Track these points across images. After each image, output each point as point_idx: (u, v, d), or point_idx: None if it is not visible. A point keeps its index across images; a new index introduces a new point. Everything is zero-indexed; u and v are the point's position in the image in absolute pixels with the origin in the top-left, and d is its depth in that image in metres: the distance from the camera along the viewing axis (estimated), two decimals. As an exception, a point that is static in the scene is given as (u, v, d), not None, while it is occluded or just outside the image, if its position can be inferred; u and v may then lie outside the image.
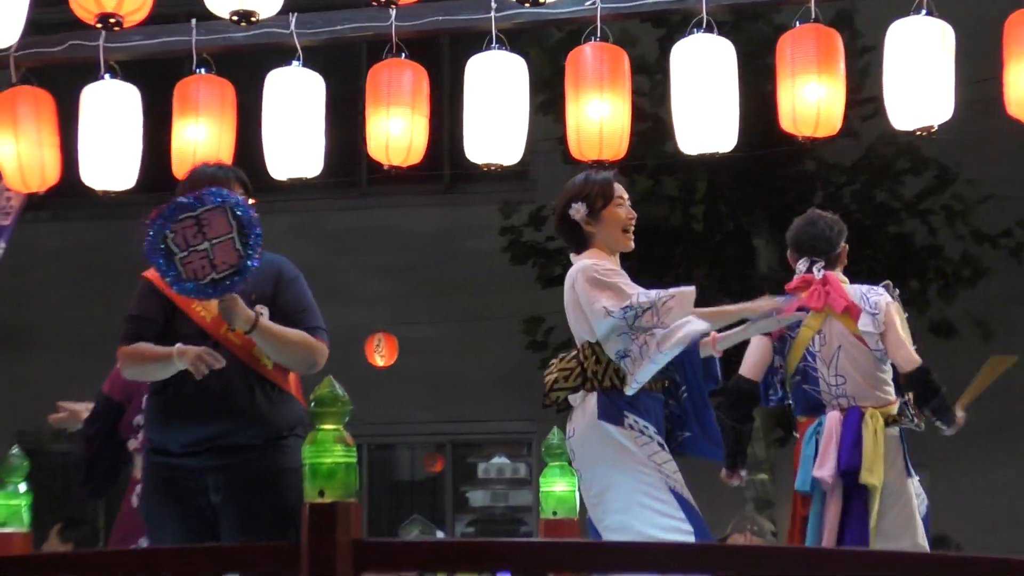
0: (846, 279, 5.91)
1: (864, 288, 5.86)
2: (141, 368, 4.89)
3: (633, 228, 5.23)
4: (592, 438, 5.01)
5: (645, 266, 9.35)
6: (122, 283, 6.03)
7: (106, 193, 6.47)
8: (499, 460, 14.66)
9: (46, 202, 9.27)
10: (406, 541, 4.51)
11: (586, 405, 5.04)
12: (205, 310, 4.86)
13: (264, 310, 4.84)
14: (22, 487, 5.76)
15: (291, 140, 6.31)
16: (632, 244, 5.22)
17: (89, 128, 6.47)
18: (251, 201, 4.81)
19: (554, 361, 5.22)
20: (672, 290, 4.95)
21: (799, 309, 5.62)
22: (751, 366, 5.95)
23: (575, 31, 7.11)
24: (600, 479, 5.01)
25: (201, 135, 6.43)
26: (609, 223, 5.18)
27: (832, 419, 5.70)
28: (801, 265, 5.90)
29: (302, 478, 4.02)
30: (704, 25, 5.92)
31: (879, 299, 5.80)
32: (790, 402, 5.91)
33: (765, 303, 5.25)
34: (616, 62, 6.10)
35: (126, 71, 6.53)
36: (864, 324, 5.75)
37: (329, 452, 4.17)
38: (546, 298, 10.71)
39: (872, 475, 5.60)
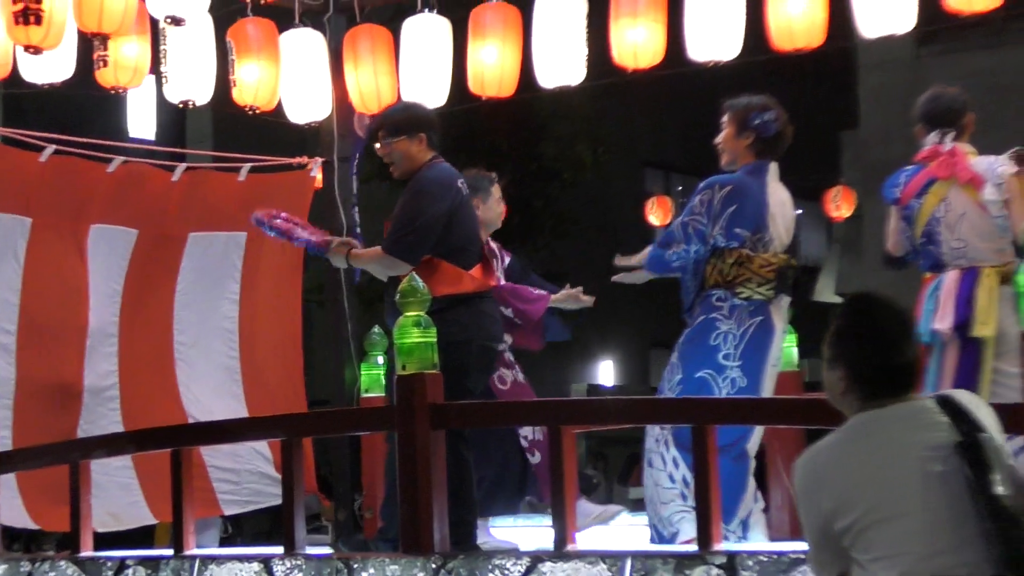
0: (974, 150, 6.27)
1: (991, 159, 6.20)
2: None
3: None
4: None
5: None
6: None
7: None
8: None
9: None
10: (476, 403, 5.43)
11: None
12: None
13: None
14: (380, 359, 7.05)
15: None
16: None
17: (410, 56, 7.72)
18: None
19: None
20: None
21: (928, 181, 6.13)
22: (892, 243, 6.46)
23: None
24: None
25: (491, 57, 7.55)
26: None
27: (951, 278, 6.12)
28: (932, 137, 6.31)
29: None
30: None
31: (1003, 170, 6.14)
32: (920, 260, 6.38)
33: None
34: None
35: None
36: (988, 194, 6.13)
37: (409, 334, 5.17)
38: None
39: (985, 327, 6.02)
